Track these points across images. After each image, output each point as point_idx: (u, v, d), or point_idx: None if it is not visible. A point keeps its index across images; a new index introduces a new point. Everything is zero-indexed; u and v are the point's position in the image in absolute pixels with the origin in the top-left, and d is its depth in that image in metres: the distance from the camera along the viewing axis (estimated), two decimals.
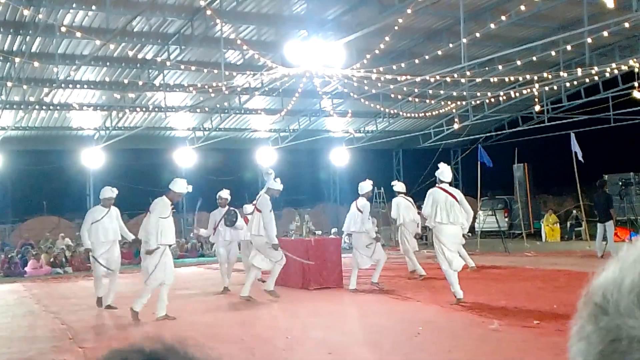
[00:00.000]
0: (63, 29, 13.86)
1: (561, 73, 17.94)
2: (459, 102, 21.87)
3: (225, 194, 13.38)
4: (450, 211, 10.32)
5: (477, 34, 14.14)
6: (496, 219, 20.67)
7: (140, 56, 16.76)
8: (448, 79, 18.15)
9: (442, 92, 20.71)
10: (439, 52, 15.31)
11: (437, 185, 10.80)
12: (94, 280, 11.46)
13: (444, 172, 10.82)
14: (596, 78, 20.88)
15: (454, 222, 10.32)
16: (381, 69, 15.45)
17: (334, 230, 15.12)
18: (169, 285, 9.90)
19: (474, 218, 12.27)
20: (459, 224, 10.38)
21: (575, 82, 21.47)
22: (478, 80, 18.75)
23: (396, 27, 13.73)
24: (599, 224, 16.06)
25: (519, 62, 16.77)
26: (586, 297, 0.76)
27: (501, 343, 7.11)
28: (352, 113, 24.02)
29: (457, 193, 10.81)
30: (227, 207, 13.28)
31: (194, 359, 0.97)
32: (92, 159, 22.00)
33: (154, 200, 10.50)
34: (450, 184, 11.00)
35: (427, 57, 15.58)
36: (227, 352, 7.24)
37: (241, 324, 9.10)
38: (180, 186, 10.40)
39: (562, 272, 13.06)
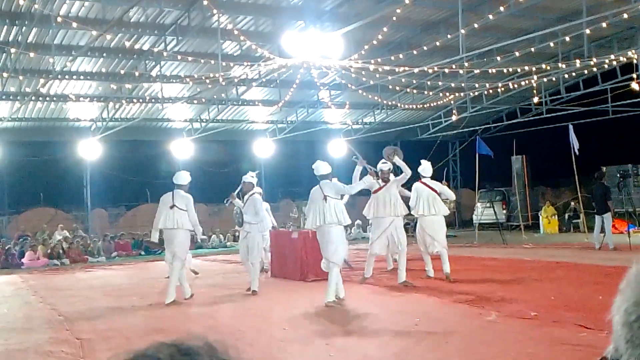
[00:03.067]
0: (59, 20, 13.80)
1: (559, 64, 17.91)
2: (457, 94, 21.83)
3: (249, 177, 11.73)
4: (432, 204, 11.63)
5: (475, 25, 14.09)
6: (494, 210, 20.68)
7: (137, 47, 16.69)
8: (446, 70, 18.09)
9: (440, 83, 20.67)
10: (437, 43, 15.27)
11: (419, 180, 11.94)
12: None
13: (425, 168, 12.01)
14: (595, 70, 20.83)
15: (436, 213, 11.67)
16: (379, 60, 15.41)
17: None
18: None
19: (472, 210, 13.02)
20: (440, 215, 11.73)
21: (573, 74, 21.44)
22: (476, 71, 18.71)
23: (394, 18, 13.67)
24: (596, 216, 16.06)
25: (517, 54, 16.73)
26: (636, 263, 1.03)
27: (498, 334, 7.11)
28: (350, 104, 23.99)
29: (437, 185, 12.09)
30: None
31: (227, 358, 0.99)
32: (89, 151, 21.96)
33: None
34: (431, 177, 12.04)
35: (425, 48, 15.55)
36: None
37: (238, 315, 9.09)
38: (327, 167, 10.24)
39: (559, 264, 13.07)
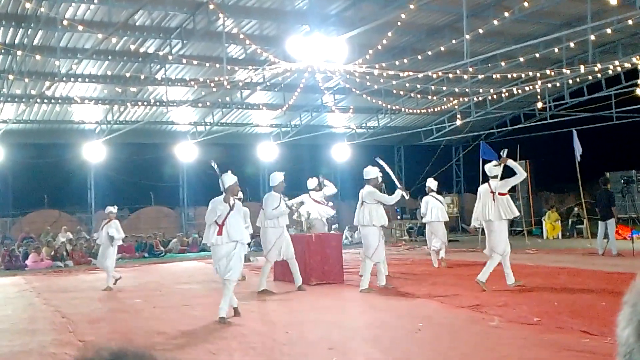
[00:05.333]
0: (65, 22, 13.86)
1: (564, 70, 17.89)
2: (461, 99, 21.85)
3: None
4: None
5: (480, 30, 14.09)
6: None
7: (142, 50, 16.73)
8: (450, 75, 18.10)
9: (444, 88, 20.68)
10: (442, 48, 15.28)
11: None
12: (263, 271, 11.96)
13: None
14: (599, 75, 20.81)
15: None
16: (383, 64, 15.41)
17: (334, 225, 15.13)
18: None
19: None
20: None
21: (577, 80, 21.43)
22: (480, 76, 18.71)
23: (399, 23, 13.68)
24: (600, 222, 16.03)
25: (521, 59, 16.72)
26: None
27: (501, 340, 7.10)
28: (354, 109, 24.01)
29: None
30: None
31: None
32: (94, 153, 21.99)
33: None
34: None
35: (429, 53, 15.55)
36: (227, 347, 7.24)
37: (241, 318, 9.09)
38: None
39: (563, 269, 13.04)
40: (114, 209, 13.70)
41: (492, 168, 11.15)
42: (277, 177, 11.98)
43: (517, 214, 11.13)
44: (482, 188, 11.18)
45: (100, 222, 14.29)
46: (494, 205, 10.75)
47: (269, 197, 11.91)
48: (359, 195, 11.73)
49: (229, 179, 9.89)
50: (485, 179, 11.40)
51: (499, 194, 10.79)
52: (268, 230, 11.84)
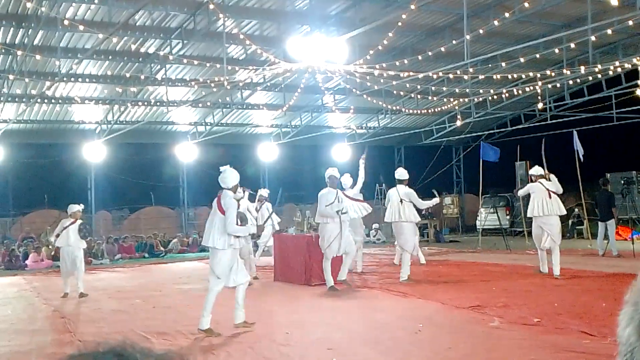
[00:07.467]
0: (65, 22, 13.86)
1: (564, 71, 17.89)
2: (461, 99, 21.84)
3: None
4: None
5: (481, 31, 14.10)
6: (498, 216, 20.63)
7: (142, 50, 16.73)
8: (451, 76, 18.10)
9: (444, 88, 20.66)
10: (442, 49, 15.27)
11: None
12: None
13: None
14: (599, 76, 20.81)
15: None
16: (384, 65, 15.41)
17: None
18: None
19: (476, 216, 13.90)
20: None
21: (578, 80, 21.43)
22: (481, 77, 18.71)
23: (399, 23, 13.67)
24: (600, 223, 16.02)
25: (522, 60, 16.72)
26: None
27: (501, 340, 7.10)
28: (354, 109, 24.02)
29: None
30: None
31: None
32: (94, 153, 22.01)
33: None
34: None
35: (430, 53, 15.55)
36: (225, 347, 7.24)
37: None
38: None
39: (563, 270, 13.02)
40: (80, 207, 12.43)
41: (538, 168, 12.74)
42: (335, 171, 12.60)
43: (565, 212, 12.56)
44: (537, 187, 12.55)
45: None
46: (550, 201, 12.27)
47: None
48: (394, 193, 12.64)
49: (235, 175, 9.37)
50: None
51: (554, 192, 12.28)
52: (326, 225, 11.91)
